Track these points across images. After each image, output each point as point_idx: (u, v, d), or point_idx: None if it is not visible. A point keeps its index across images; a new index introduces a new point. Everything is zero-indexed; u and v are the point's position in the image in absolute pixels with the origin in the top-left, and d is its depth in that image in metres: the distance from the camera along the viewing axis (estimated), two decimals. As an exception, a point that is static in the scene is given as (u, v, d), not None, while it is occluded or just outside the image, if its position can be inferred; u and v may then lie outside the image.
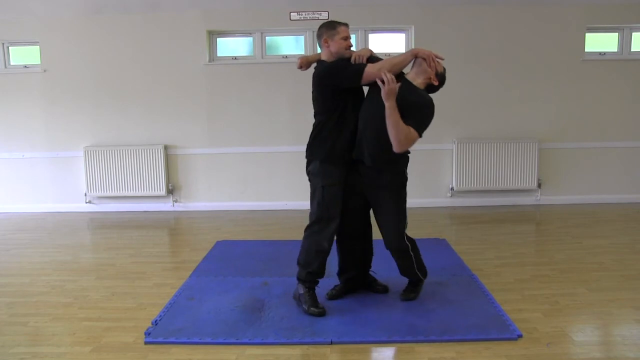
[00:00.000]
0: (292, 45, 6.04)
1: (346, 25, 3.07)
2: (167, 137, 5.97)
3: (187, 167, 6.03)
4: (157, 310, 3.18)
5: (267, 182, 6.01)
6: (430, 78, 2.96)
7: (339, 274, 3.36)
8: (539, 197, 6.00)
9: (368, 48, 3.25)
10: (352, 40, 3.30)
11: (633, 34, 5.89)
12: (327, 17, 5.53)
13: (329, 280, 3.36)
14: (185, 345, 2.77)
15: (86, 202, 6.07)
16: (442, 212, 5.79)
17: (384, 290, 3.38)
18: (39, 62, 5.93)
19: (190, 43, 5.83)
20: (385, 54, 5.56)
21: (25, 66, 6.03)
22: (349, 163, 3.10)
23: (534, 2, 5.68)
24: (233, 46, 6.08)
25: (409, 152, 3.07)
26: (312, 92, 3.11)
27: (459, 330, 2.85)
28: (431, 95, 3.00)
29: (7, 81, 5.97)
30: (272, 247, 4.47)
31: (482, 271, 3.78)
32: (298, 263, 3.17)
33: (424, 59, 2.95)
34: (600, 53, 5.92)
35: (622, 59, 5.89)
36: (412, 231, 3.23)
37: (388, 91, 2.74)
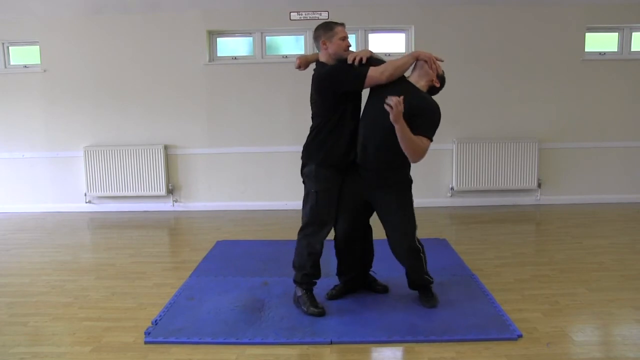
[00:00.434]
0: (292, 45, 6.04)
1: (343, 25, 3.05)
2: (167, 137, 5.97)
3: (187, 167, 6.03)
4: (157, 310, 3.18)
5: (267, 182, 6.01)
6: (432, 80, 2.97)
7: (339, 275, 3.36)
8: (539, 197, 5.99)
9: (368, 49, 3.24)
10: (351, 40, 3.28)
11: (633, 33, 5.89)
12: (327, 17, 5.53)
13: (329, 280, 3.37)
14: (185, 345, 2.77)
15: (86, 202, 6.07)
16: (442, 212, 5.79)
17: (384, 290, 3.37)
18: (39, 62, 5.93)
19: (190, 43, 5.83)
20: (385, 54, 5.60)
21: (25, 66, 6.03)
22: (346, 167, 3.07)
23: (534, 2, 5.68)
24: (233, 46, 6.08)
25: None
26: (311, 94, 3.08)
27: (459, 330, 2.85)
28: (431, 96, 3.02)
29: (7, 81, 5.97)
30: (272, 247, 4.47)
31: (482, 271, 3.78)
32: (293, 266, 3.17)
33: (425, 62, 2.96)
34: (600, 53, 5.92)
35: (622, 59, 5.89)
36: (412, 231, 3.23)
37: (396, 114, 2.73)
